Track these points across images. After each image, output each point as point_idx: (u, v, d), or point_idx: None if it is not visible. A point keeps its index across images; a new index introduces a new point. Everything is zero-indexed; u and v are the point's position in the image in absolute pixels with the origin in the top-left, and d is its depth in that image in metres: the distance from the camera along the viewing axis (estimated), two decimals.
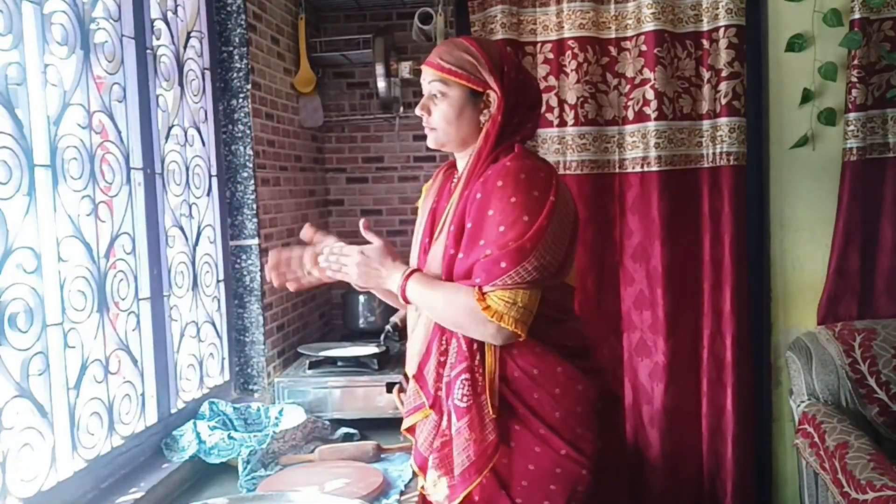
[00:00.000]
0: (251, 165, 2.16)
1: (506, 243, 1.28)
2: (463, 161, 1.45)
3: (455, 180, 1.46)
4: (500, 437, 1.34)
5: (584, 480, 1.34)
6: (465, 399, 1.33)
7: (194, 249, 1.98)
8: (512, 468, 1.35)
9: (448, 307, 1.33)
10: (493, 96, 1.38)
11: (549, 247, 1.29)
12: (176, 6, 1.94)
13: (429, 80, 1.42)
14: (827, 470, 2.06)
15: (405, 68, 2.67)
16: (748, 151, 2.56)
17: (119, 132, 1.66)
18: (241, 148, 2.16)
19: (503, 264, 1.27)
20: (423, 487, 1.43)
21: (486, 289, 1.28)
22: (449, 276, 1.36)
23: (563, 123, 2.60)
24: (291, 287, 1.54)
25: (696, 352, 2.61)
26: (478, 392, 1.33)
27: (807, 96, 2.52)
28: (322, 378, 2.13)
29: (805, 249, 2.60)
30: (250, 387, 2.20)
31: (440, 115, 1.41)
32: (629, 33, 2.57)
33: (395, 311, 2.08)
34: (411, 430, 1.47)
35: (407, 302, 1.40)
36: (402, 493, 1.62)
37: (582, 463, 1.34)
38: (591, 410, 1.37)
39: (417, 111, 1.45)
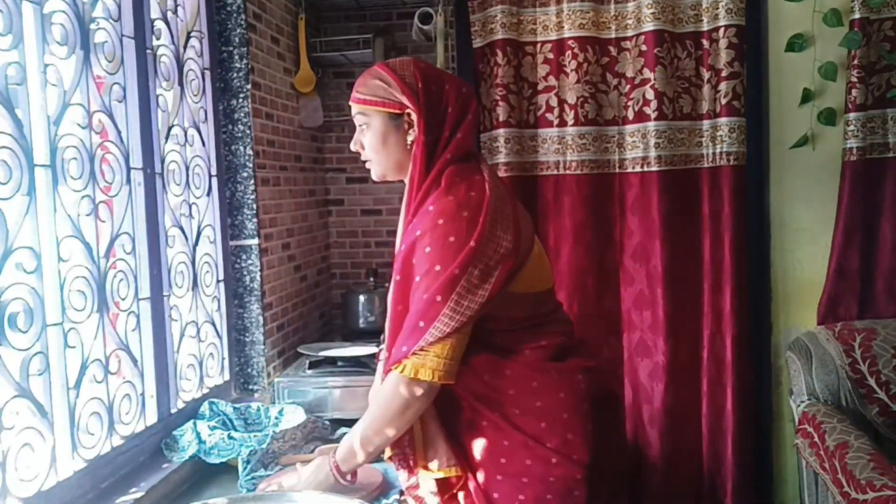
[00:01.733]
0: (251, 165, 2.16)
1: (419, 296, 1.28)
2: None
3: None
4: (490, 454, 1.36)
5: (580, 485, 1.34)
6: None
7: (194, 249, 1.98)
8: (507, 484, 1.36)
9: (387, 413, 1.34)
10: (413, 115, 1.36)
11: (469, 289, 1.27)
12: (176, 6, 1.94)
13: (354, 114, 1.43)
14: (827, 470, 2.06)
15: None
16: (748, 151, 2.56)
17: (119, 132, 1.66)
18: (241, 148, 2.16)
19: (421, 324, 1.27)
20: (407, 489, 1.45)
21: (408, 362, 1.28)
22: (394, 331, 1.36)
23: (563, 123, 2.60)
24: None
25: (696, 352, 2.61)
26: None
27: (807, 96, 2.52)
28: (322, 378, 2.13)
29: (805, 249, 2.60)
30: (250, 387, 2.20)
31: (368, 145, 1.42)
32: (629, 33, 2.57)
33: None
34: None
35: (349, 478, 1.42)
36: (401, 493, 1.62)
37: (574, 469, 1.34)
38: (578, 415, 1.37)
39: (352, 147, 1.45)
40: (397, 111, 1.37)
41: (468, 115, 1.40)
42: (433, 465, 1.38)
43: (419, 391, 1.30)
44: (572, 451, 1.34)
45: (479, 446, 1.38)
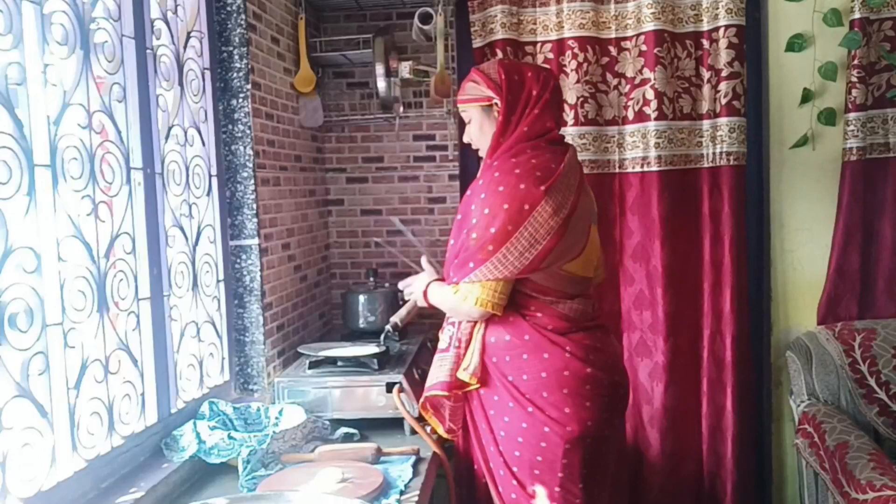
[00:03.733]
0: (251, 165, 2.16)
1: (473, 239, 1.59)
2: None
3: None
4: (497, 412, 1.68)
5: (570, 455, 1.59)
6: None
7: (194, 249, 1.98)
8: (506, 441, 1.67)
9: (444, 302, 1.75)
10: (498, 101, 1.69)
11: (519, 247, 1.57)
12: (176, 6, 1.94)
13: (460, 112, 1.81)
14: (827, 470, 2.06)
15: (405, 68, 2.67)
16: (748, 151, 2.56)
17: (119, 132, 1.66)
18: (241, 148, 2.16)
19: (471, 265, 1.60)
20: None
21: (462, 282, 1.65)
22: (450, 259, 1.72)
23: (563, 123, 2.60)
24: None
25: (696, 352, 2.62)
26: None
27: (807, 96, 2.52)
28: (322, 378, 2.13)
29: (805, 249, 2.60)
30: (250, 387, 2.20)
31: (472, 135, 1.79)
32: (629, 33, 2.57)
33: (395, 311, 2.08)
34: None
35: (429, 303, 1.81)
36: (401, 493, 1.62)
37: (565, 437, 1.59)
38: (577, 393, 1.61)
39: (465, 139, 1.84)
40: (486, 103, 1.72)
41: (545, 94, 1.68)
42: (468, 368, 1.68)
43: (468, 309, 1.66)
44: (567, 423, 1.60)
45: (489, 399, 1.70)
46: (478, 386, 1.70)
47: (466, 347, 1.72)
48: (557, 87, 1.74)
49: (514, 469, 1.67)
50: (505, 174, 1.61)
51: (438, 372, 1.75)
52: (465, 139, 1.84)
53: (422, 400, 1.81)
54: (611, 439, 1.70)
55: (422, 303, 1.86)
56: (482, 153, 1.79)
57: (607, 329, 1.80)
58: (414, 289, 1.88)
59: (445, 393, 1.73)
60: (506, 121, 1.68)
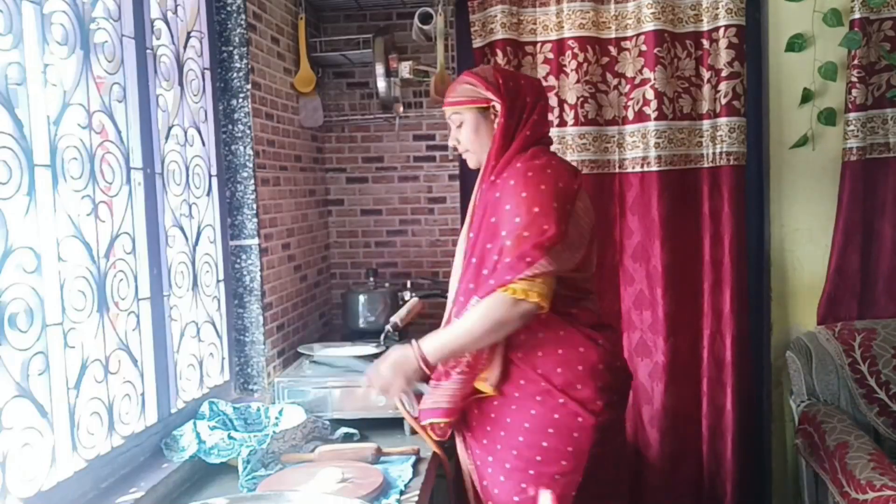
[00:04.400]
0: (251, 165, 2.16)
1: (520, 235, 1.52)
2: None
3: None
4: (520, 411, 1.62)
5: (582, 429, 1.57)
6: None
7: (194, 249, 1.98)
8: (518, 413, 1.62)
9: (485, 322, 1.54)
10: (497, 104, 1.65)
11: (574, 235, 1.56)
12: (176, 6, 1.94)
13: (448, 116, 1.74)
14: (827, 470, 2.06)
15: (405, 68, 2.67)
16: (748, 151, 2.56)
17: (119, 132, 1.66)
18: (241, 148, 2.16)
19: (528, 259, 1.50)
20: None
21: (514, 286, 1.50)
22: (469, 257, 1.64)
23: (563, 123, 2.60)
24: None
25: (696, 352, 2.62)
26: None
27: (807, 96, 2.52)
28: (322, 378, 2.13)
29: (805, 249, 2.60)
30: (250, 387, 2.20)
31: (465, 138, 1.72)
32: (629, 33, 2.57)
33: (395, 310, 2.08)
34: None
35: (432, 369, 1.61)
36: (401, 493, 1.62)
37: (578, 411, 1.57)
38: (592, 371, 1.60)
39: (450, 144, 1.76)
40: (484, 105, 1.68)
41: (541, 101, 1.70)
42: (489, 380, 1.63)
43: (522, 310, 1.51)
44: (581, 399, 1.58)
45: (506, 402, 1.65)
46: (493, 393, 1.65)
47: (487, 363, 1.63)
48: (547, 97, 1.76)
49: (531, 472, 1.61)
50: (538, 172, 1.58)
51: (438, 397, 1.67)
52: (452, 143, 1.77)
53: (417, 422, 1.75)
54: (623, 432, 1.76)
55: (412, 378, 1.64)
56: (471, 159, 1.75)
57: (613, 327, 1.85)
58: (389, 369, 1.62)
59: (446, 420, 1.68)
60: (507, 124, 1.65)
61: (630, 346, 2.65)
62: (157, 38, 1.83)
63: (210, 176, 2.10)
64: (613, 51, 2.60)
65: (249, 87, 2.16)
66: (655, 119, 2.53)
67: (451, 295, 1.75)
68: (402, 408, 1.87)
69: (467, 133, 1.71)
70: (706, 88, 2.55)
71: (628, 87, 2.59)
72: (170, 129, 1.88)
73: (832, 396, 2.34)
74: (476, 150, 1.72)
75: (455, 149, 1.76)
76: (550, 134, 2.61)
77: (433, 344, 1.59)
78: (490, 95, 1.66)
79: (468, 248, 1.67)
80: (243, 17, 2.14)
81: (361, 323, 2.65)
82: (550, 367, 1.61)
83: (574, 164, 2.58)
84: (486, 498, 1.70)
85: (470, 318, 1.55)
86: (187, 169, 1.96)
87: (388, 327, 2.05)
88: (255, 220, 2.17)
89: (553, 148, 2.61)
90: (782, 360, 2.59)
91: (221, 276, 2.13)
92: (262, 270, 2.19)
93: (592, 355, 1.61)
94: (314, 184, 2.84)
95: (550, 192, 1.54)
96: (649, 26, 2.50)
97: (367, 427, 2.05)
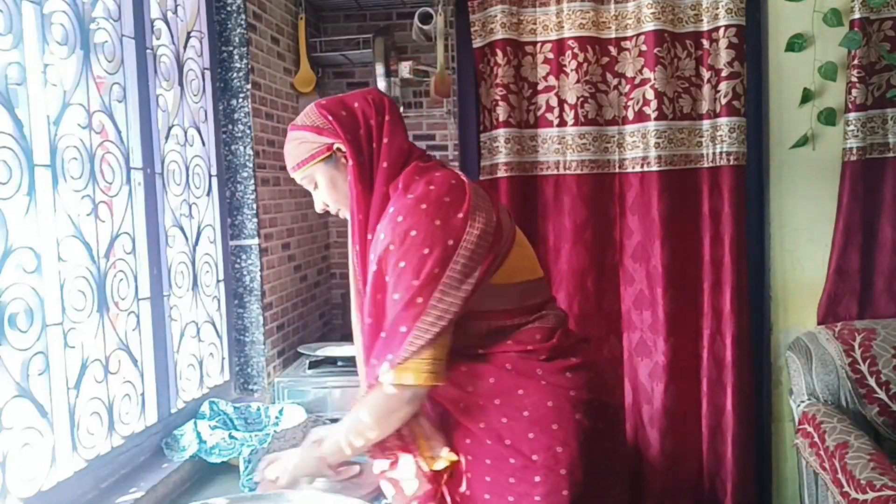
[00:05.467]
0: (251, 165, 2.16)
1: (391, 297, 1.25)
2: None
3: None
4: (476, 471, 1.33)
5: (566, 501, 1.28)
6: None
7: (194, 249, 1.98)
8: (492, 500, 1.32)
9: (372, 421, 1.30)
10: (340, 145, 1.36)
11: (451, 286, 1.23)
12: (176, 6, 1.94)
13: (299, 181, 1.44)
14: (827, 470, 2.06)
15: (405, 68, 2.67)
16: (748, 151, 2.56)
17: (119, 132, 1.66)
18: (241, 148, 2.16)
19: (402, 329, 1.23)
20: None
21: (392, 371, 1.23)
22: (369, 345, 1.33)
23: (563, 123, 2.60)
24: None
25: (696, 352, 2.62)
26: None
27: (807, 96, 2.52)
28: (322, 378, 2.13)
29: (805, 249, 2.60)
30: (250, 387, 2.20)
31: (328, 198, 1.43)
32: (629, 33, 2.57)
33: None
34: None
35: (339, 469, 1.43)
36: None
37: (561, 483, 1.28)
38: (568, 425, 1.29)
39: (317, 209, 1.48)
40: (327, 153, 1.37)
41: (385, 118, 1.37)
42: (438, 456, 1.35)
43: (406, 395, 1.26)
44: (560, 465, 1.28)
45: (465, 462, 1.35)
46: (456, 459, 1.36)
47: (413, 443, 1.36)
48: (392, 104, 1.42)
49: None
50: (410, 214, 1.25)
51: (404, 470, 1.38)
52: (319, 209, 1.47)
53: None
54: (610, 474, 1.37)
55: (322, 475, 1.42)
56: (345, 214, 1.44)
57: (588, 342, 1.48)
58: (289, 475, 1.39)
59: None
60: (358, 163, 1.34)
61: (630, 346, 2.65)
62: (157, 38, 1.83)
63: (210, 176, 2.10)
64: (613, 51, 2.60)
65: (249, 87, 2.16)
66: (655, 119, 2.53)
67: (357, 350, 1.47)
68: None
69: (327, 191, 1.41)
70: (706, 88, 2.55)
71: (628, 87, 2.59)
72: (170, 129, 1.88)
73: (832, 396, 2.34)
74: (344, 203, 1.42)
75: (327, 212, 1.48)
76: (552, 134, 2.64)
77: (329, 447, 1.36)
78: (326, 140, 1.36)
79: (361, 304, 1.38)
80: (243, 17, 2.14)
81: None
82: (520, 434, 1.30)
83: (574, 164, 2.60)
84: None
85: (357, 414, 1.32)
86: (187, 169, 1.96)
87: None
88: (255, 220, 2.17)
89: (553, 148, 2.64)
90: (782, 360, 2.59)
91: (221, 276, 2.13)
92: (262, 270, 2.19)
93: (536, 395, 1.31)
94: None
95: (422, 237, 1.23)
96: (649, 26, 2.50)
97: None
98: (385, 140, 1.36)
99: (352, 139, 1.35)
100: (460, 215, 1.26)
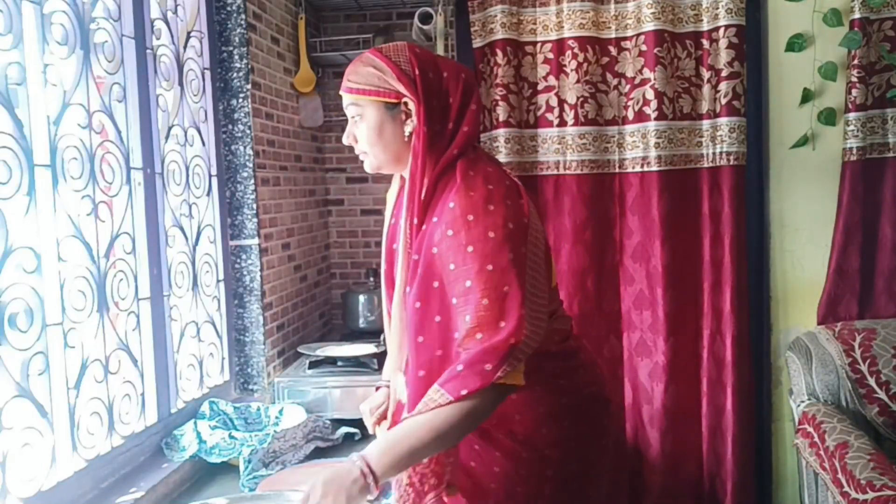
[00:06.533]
0: (251, 165, 2.16)
1: (481, 311, 1.13)
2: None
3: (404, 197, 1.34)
4: (483, 465, 1.31)
5: (578, 478, 1.30)
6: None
7: (194, 249, 1.99)
8: (500, 491, 1.30)
9: (451, 431, 1.13)
10: (412, 104, 1.26)
11: (534, 275, 1.17)
12: (176, 6, 1.94)
13: (346, 105, 1.33)
14: (827, 470, 2.06)
15: None
16: (748, 151, 2.56)
17: (119, 132, 1.66)
18: (241, 148, 2.16)
19: (502, 324, 1.12)
20: None
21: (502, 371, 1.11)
22: (418, 330, 1.23)
23: (563, 123, 2.60)
24: None
25: (696, 352, 2.61)
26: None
27: (807, 96, 2.52)
28: (322, 378, 2.13)
29: (805, 249, 2.60)
30: (250, 387, 2.20)
31: (363, 138, 1.32)
32: (629, 33, 2.57)
33: None
34: None
35: (380, 484, 1.13)
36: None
37: (570, 468, 1.30)
38: (579, 420, 1.31)
39: (345, 140, 1.36)
40: (393, 100, 1.27)
41: (472, 105, 1.29)
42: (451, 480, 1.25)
43: (493, 397, 1.14)
44: (572, 461, 1.30)
45: (472, 452, 1.33)
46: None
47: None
48: (479, 93, 1.33)
49: None
50: (481, 215, 1.18)
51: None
52: (346, 140, 1.35)
53: None
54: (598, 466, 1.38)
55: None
56: (373, 163, 1.34)
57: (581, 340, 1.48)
58: (323, 489, 1.10)
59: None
60: (431, 132, 1.25)
61: (630, 346, 2.65)
62: (157, 38, 1.84)
63: (210, 176, 2.10)
64: (613, 51, 2.60)
65: (249, 87, 2.16)
66: (655, 119, 2.53)
67: (392, 348, 1.37)
68: None
69: (368, 132, 1.30)
70: (706, 88, 2.55)
71: (628, 87, 2.59)
72: (170, 129, 1.88)
73: (832, 396, 2.34)
74: (378, 154, 1.32)
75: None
76: (552, 134, 2.64)
77: (381, 455, 1.13)
78: (402, 89, 1.25)
79: (417, 293, 1.23)
80: (243, 17, 2.14)
81: (361, 323, 2.65)
82: (533, 429, 1.30)
83: (574, 164, 2.59)
84: None
85: (429, 424, 1.12)
86: (187, 169, 1.97)
87: None
88: (255, 220, 2.17)
89: (553, 148, 2.64)
90: (782, 360, 2.59)
91: (221, 276, 2.13)
92: (262, 270, 2.19)
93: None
94: (314, 184, 2.84)
95: (498, 242, 1.15)
96: (649, 26, 2.50)
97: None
98: (465, 128, 1.28)
99: (429, 107, 1.25)
100: (525, 220, 1.21)
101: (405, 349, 1.29)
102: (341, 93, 1.33)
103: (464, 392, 1.10)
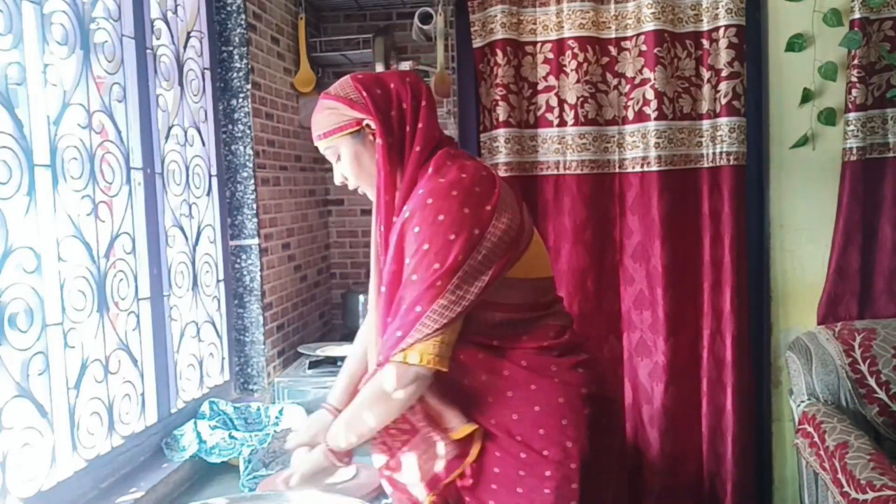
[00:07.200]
0: (251, 165, 2.16)
1: (409, 278, 1.25)
2: None
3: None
4: (482, 464, 1.33)
5: (575, 494, 1.29)
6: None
7: (194, 249, 1.99)
8: (501, 493, 1.32)
9: (378, 409, 1.30)
10: (370, 122, 1.35)
11: (471, 274, 1.24)
12: (176, 6, 1.94)
13: (323, 151, 1.43)
14: (827, 470, 2.06)
15: (405, 68, 2.67)
16: (748, 151, 2.56)
17: (119, 132, 1.66)
18: (241, 148, 2.16)
19: (418, 308, 1.23)
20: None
21: (404, 352, 1.23)
22: (387, 313, 1.32)
23: (563, 123, 2.60)
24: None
25: (696, 352, 2.61)
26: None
27: (807, 96, 2.52)
28: (322, 378, 2.13)
29: (805, 249, 2.60)
30: (250, 386, 2.20)
31: (349, 173, 1.42)
32: (629, 33, 2.57)
33: None
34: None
35: (345, 457, 1.39)
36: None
37: (571, 474, 1.30)
38: (577, 420, 1.32)
39: (336, 182, 1.46)
40: (356, 127, 1.37)
41: (422, 102, 1.37)
42: (454, 427, 1.32)
43: (409, 375, 1.24)
44: (570, 460, 1.30)
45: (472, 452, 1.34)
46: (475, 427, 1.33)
47: (423, 423, 1.34)
48: (429, 89, 1.42)
49: None
50: (440, 198, 1.26)
51: (408, 475, 1.36)
52: (339, 181, 1.46)
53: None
54: (606, 463, 1.39)
55: (329, 464, 1.39)
56: (370, 191, 1.43)
57: (588, 340, 1.53)
58: (301, 480, 1.39)
59: (432, 497, 1.36)
60: (388, 144, 1.34)
61: (630, 346, 2.65)
62: (157, 38, 1.84)
63: (210, 176, 2.10)
64: (613, 51, 2.60)
65: (249, 87, 2.16)
66: (655, 119, 2.53)
67: (370, 347, 1.46)
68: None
69: (349, 165, 1.40)
70: (706, 88, 2.55)
71: (628, 87, 2.59)
72: (170, 129, 1.88)
73: (832, 396, 2.34)
74: (366, 180, 1.41)
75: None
76: (552, 134, 2.64)
77: (333, 435, 1.37)
78: (357, 114, 1.36)
79: (386, 279, 1.33)
80: (243, 17, 2.14)
81: (361, 323, 2.65)
82: (531, 429, 1.32)
83: (574, 164, 2.60)
84: None
85: (363, 397, 1.33)
86: (187, 169, 1.97)
87: None
88: (255, 220, 2.17)
89: (553, 148, 2.64)
90: (782, 360, 2.59)
91: (221, 276, 2.13)
92: (262, 270, 2.19)
93: (549, 390, 1.33)
94: (314, 184, 2.85)
95: (449, 222, 1.24)
96: (649, 26, 2.50)
97: None
98: (420, 125, 1.35)
99: (383, 118, 1.34)
100: (488, 207, 1.27)
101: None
102: (315, 144, 1.43)
103: (380, 358, 1.27)
